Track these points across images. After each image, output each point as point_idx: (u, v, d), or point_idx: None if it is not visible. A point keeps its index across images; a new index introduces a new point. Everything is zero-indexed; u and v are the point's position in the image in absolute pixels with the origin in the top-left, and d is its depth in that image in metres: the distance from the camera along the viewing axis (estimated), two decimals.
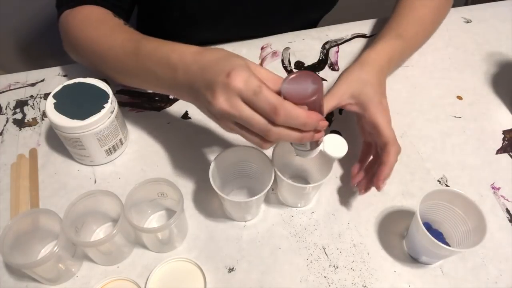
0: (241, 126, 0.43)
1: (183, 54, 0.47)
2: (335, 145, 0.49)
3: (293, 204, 0.58)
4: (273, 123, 0.40)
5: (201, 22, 0.74)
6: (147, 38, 0.55)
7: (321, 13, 0.85)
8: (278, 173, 0.51)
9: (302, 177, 0.61)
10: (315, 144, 0.47)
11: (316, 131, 0.43)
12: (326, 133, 0.47)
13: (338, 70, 0.75)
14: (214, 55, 0.45)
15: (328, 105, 0.55)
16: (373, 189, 0.60)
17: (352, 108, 0.57)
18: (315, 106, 0.41)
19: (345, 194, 0.60)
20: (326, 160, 0.53)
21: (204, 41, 0.77)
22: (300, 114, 0.40)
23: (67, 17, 0.63)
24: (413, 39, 0.68)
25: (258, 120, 0.41)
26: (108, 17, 0.61)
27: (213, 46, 0.78)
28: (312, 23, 0.89)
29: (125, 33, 0.58)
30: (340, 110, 0.69)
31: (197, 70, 0.45)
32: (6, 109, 0.69)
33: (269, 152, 0.53)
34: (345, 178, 0.61)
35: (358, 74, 0.57)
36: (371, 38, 0.80)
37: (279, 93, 0.41)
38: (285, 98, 0.41)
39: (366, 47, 0.75)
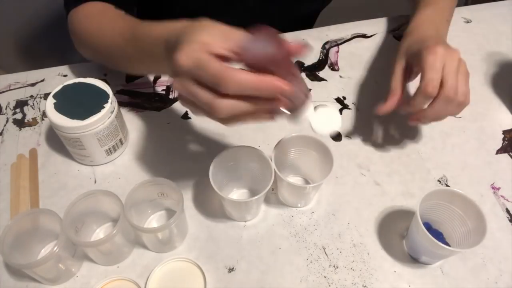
0: (189, 101, 0.40)
1: (174, 28, 0.45)
2: (325, 119, 0.44)
3: (293, 204, 0.58)
4: (220, 95, 0.37)
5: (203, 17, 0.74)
6: (144, 22, 0.54)
7: (320, 4, 0.86)
8: (278, 173, 0.51)
9: (302, 177, 0.61)
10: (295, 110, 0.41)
11: (276, 99, 0.38)
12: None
13: (338, 70, 0.75)
14: (184, 23, 0.43)
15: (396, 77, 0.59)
16: (373, 188, 0.60)
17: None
18: (280, 69, 0.37)
19: (345, 194, 0.60)
20: (326, 160, 0.53)
21: None
22: (249, 79, 0.36)
23: (73, 15, 0.64)
24: (447, 10, 0.69)
25: (201, 94, 0.38)
26: (109, 9, 0.62)
27: None
28: (310, 22, 0.90)
29: (124, 21, 0.58)
30: (341, 110, 0.69)
31: (174, 39, 0.43)
32: (6, 109, 0.69)
33: (269, 152, 0.53)
34: (346, 178, 0.61)
35: (410, 38, 0.61)
36: (372, 38, 0.80)
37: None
38: (247, 63, 0.37)
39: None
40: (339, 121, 0.45)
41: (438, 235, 0.53)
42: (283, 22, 0.81)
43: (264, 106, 0.39)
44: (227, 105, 0.38)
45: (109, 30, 0.59)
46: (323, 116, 0.45)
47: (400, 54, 0.60)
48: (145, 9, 0.84)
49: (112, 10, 0.62)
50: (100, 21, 0.61)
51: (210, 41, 0.38)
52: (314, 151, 0.56)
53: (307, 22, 0.93)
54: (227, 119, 0.40)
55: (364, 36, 0.81)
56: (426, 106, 0.55)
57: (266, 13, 0.79)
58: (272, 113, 0.40)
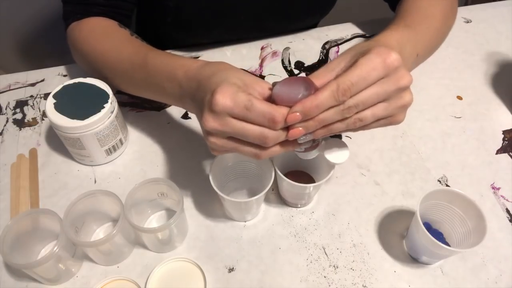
0: (235, 139, 0.42)
1: (187, 70, 0.48)
2: (335, 150, 0.47)
3: (293, 204, 0.58)
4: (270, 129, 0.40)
5: (194, 28, 0.74)
6: (154, 51, 0.55)
7: (316, 19, 0.84)
8: (279, 173, 0.51)
9: None
10: (310, 147, 0.46)
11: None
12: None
13: None
14: (210, 70, 0.45)
15: (320, 81, 0.42)
16: (373, 188, 0.60)
17: None
18: None
19: (345, 194, 0.60)
20: (326, 160, 0.53)
21: (199, 45, 0.78)
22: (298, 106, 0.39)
23: (74, 30, 0.63)
24: (423, 33, 0.57)
25: (253, 129, 0.40)
26: (114, 29, 0.61)
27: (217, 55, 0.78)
28: (309, 28, 0.89)
29: (132, 46, 0.58)
30: None
31: (195, 86, 0.45)
32: (6, 109, 0.69)
33: None
34: (346, 178, 0.61)
35: (361, 44, 0.45)
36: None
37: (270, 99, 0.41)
38: (274, 102, 0.40)
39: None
40: (347, 151, 0.47)
41: (438, 235, 0.54)
42: (279, 35, 0.81)
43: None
44: (278, 134, 0.40)
45: (116, 53, 0.58)
46: (333, 146, 0.48)
47: (347, 50, 0.44)
48: (140, 16, 0.84)
49: (117, 30, 0.61)
50: (105, 42, 0.60)
51: (244, 84, 0.41)
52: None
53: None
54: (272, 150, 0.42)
55: (364, 36, 0.81)
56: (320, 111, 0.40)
57: (260, 27, 0.78)
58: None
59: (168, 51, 0.77)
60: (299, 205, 0.58)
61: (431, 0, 0.62)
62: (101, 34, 0.61)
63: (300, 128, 0.40)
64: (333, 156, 0.47)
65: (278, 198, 0.59)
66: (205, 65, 0.47)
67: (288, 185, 0.52)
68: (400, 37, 0.52)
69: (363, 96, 0.40)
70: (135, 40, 0.60)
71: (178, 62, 0.50)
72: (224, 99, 0.39)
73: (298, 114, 0.39)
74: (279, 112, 0.39)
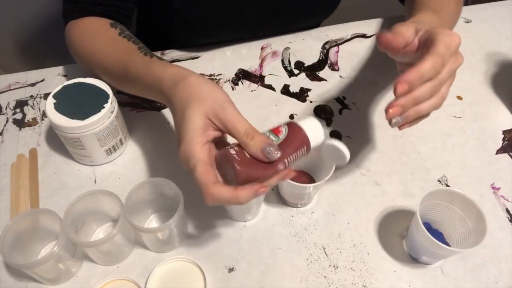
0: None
1: (161, 91, 0.49)
2: (335, 153, 0.47)
3: (293, 204, 0.58)
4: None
5: (201, 30, 0.74)
6: (132, 60, 0.55)
7: (320, 19, 0.84)
8: None
9: None
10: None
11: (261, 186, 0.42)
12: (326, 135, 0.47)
13: (338, 70, 0.75)
14: (179, 96, 0.45)
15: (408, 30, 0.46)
16: (373, 188, 0.60)
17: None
18: (249, 179, 0.40)
19: (345, 194, 0.60)
20: (326, 161, 0.53)
21: (198, 45, 0.78)
22: (226, 195, 0.40)
23: (70, 29, 0.64)
24: (446, 18, 0.60)
25: (200, 186, 0.42)
26: (104, 29, 0.61)
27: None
28: (312, 27, 0.89)
29: (116, 52, 0.58)
30: (340, 110, 0.69)
31: (170, 107, 0.47)
32: (6, 109, 0.69)
33: None
34: (346, 178, 0.61)
35: (418, 18, 0.51)
36: (372, 38, 0.80)
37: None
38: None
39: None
40: (347, 155, 0.47)
41: (438, 235, 0.54)
42: (284, 34, 0.81)
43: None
44: (214, 198, 0.41)
45: (104, 57, 0.59)
46: (332, 148, 0.48)
47: (408, 21, 0.49)
48: (142, 16, 0.84)
49: (107, 31, 0.60)
50: (95, 43, 0.60)
51: (209, 114, 0.42)
52: (314, 151, 0.55)
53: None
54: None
55: (364, 36, 0.81)
56: (416, 85, 0.42)
57: (267, 26, 0.78)
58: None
59: (168, 51, 0.77)
60: (299, 205, 0.58)
61: None
62: (92, 35, 0.61)
63: (398, 107, 0.42)
64: (333, 159, 0.48)
65: (278, 198, 0.59)
66: (174, 86, 0.47)
67: (288, 185, 0.52)
68: (431, 21, 0.55)
69: (444, 71, 0.43)
70: (121, 42, 0.58)
71: (153, 76, 0.51)
72: (181, 160, 0.43)
73: (405, 84, 0.40)
74: (209, 190, 0.40)
